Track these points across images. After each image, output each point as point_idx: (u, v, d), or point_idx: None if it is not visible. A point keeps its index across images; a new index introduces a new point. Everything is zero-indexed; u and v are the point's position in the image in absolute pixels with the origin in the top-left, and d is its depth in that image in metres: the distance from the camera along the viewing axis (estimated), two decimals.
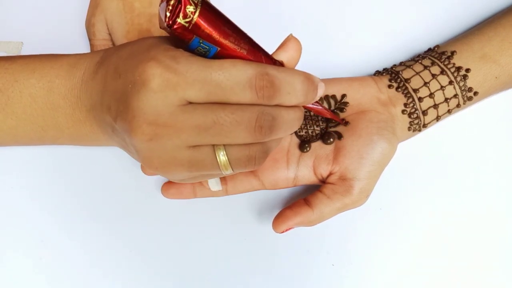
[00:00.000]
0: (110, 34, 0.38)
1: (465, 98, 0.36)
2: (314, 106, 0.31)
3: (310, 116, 0.37)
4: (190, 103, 0.24)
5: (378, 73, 0.39)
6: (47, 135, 0.32)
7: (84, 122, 0.31)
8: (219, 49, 0.24)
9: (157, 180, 0.38)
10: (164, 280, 0.37)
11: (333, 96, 0.36)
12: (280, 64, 0.27)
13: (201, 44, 0.24)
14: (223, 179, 0.35)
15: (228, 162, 0.26)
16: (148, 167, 0.26)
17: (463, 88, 0.36)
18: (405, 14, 0.42)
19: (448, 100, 0.36)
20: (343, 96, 0.36)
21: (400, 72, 0.37)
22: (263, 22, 0.42)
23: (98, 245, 0.37)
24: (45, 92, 0.30)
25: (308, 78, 0.26)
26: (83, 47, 0.40)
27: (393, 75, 0.37)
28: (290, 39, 0.27)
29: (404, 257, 0.37)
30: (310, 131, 0.36)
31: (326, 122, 0.36)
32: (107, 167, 0.38)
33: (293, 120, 0.27)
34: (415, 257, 0.37)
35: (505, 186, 0.39)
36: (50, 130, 0.32)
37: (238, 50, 0.25)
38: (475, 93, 0.36)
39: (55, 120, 0.31)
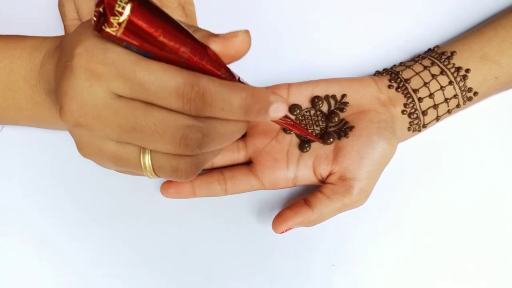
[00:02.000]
0: (78, 14, 0.38)
1: (465, 99, 0.36)
2: (282, 122, 0.28)
3: (310, 116, 0.37)
4: (120, 97, 0.23)
5: (378, 73, 0.39)
6: (7, 115, 0.32)
7: (43, 105, 0.31)
8: (152, 55, 0.23)
9: (157, 180, 0.38)
10: (164, 280, 0.37)
11: (333, 96, 0.36)
12: (208, 54, 0.23)
13: (134, 49, 0.23)
14: (223, 179, 0.36)
15: (151, 167, 0.24)
16: (81, 153, 0.26)
17: (463, 89, 0.36)
18: (405, 14, 0.42)
19: (448, 101, 0.36)
20: (343, 96, 0.36)
21: (400, 72, 0.37)
22: (263, 22, 0.42)
23: (98, 245, 0.37)
24: (6, 73, 0.30)
25: (253, 95, 0.23)
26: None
27: (393, 75, 0.37)
28: (238, 35, 0.23)
29: (404, 257, 0.37)
30: (310, 131, 0.36)
31: (326, 122, 0.36)
32: None
33: (231, 133, 0.25)
34: (415, 257, 0.37)
35: (505, 186, 0.39)
36: (10, 110, 0.32)
37: (176, 56, 0.22)
38: (475, 94, 0.36)
39: (15, 101, 0.31)
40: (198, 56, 0.23)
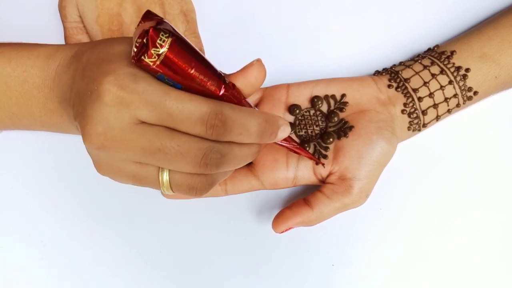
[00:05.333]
0: (81, 17, 0.38)
1: (465, 98, 0.36)
2: (283, 144, 0.31)
3: (309, 116, 0.37)
4: (143, 122, 0.24)
5: (377, 73, 0.39)
6: (20, 122, 0.33)
7: (55, 112, 0.31)
8: (182, 86, 0.25)
9: None
10: (164, 280, 0.37)
11: (333, 96, 0.36)
12: (231, 87, 0.26)
13: (166, 80, 0.24)
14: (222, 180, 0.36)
15: (169, 184, 0.26)
16: (97, 170, 0.27)
17: (462, 88, 0.36)
18: (405, 14, 0.42)
19: (448, 100, 0.36)
20: (343, 96, 0.36)
21: (400, 72, 0.37)
22: (262, 22, 0.42)
23: (98, 245, 0.37)
24: (20, 82, 0.31)
25: (267, 120, 0.26)
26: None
27: (392, 75, 0.37)
28: (253, 64, 0.27)
29: (404, 257, 0.37)
30: (310, 131, 0.36)
31: (325, 122, 0.36)
32: None
33: (245, 156, 0.27)
34: (415, 257, 0.37)
35: (505, 186, 0.39)
36: (23, 117, 0.32)
37: (204, 88, 0.25)
38: (475, 93, 0.36)
39: (29, 108, 0.32)
40: (223, 90, 0.25)
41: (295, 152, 0.32)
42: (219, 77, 0.25)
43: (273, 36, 0.41)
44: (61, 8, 0.38)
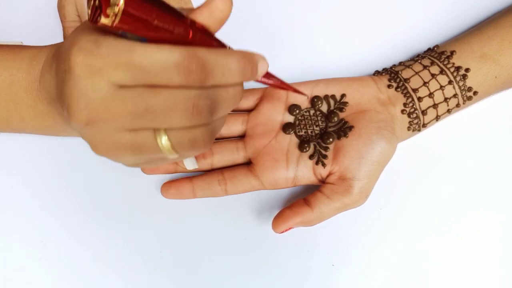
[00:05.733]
0: (80, 17, 0.38)
1: (465, 98, 0.36)
2: (265, 80, 0.30)
3: (309, 116, 0.37)
4: (124, 87, 0.23)
5: (377, 73, 0.39)
6: (11, 126, 0.33)
7: (47, 114, 0.31)
8: (147, 39, 0.23)
9: (157, 180, 0.38)
10: (164, 280, 0.37)
11: (333, 96, 0.36)
12: (199, 29, 0.25)
13: (129, 36, 0.23)
14: (223, 180, 0.36)
15: (170, 146, 0.25)
16: (95, 152, 0.26)
17: (462, 88, 0.36)
18: (405, 14, 0.42)
19: (448, 100, 0.36)
20: (343, 96, 0.36)
21: (400, 72, 0.37)
22: (262, 22, 0.42)
23: (98, 245, 0.37)
24: (7, 85, 0.30)
25: (244, 57, 0.25)
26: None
27: (392, 75, 0.37)
28: None
29: (404, 257, 0.37)
30: (309, 131, 0.36)
31: (325, 122, 0.36)
32: (107, 167, 0.38)
33: (234, 97, 0.26)
34: (415, 257, 0.37)
35: (506, 186, 0.39)
36: (14, 121, 0.32)
37: (171, 36, 0.23)
38: (475, 93, 0.36)
39: (18, 112, 0.31)
40: (191, 33, 0.24)
41: (280, 88, 0.31)
42: (185, 22, 0.24)
43: (273, 36, 0.41)
44: (60, 7, 0.38)
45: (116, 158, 0.26)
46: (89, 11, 0.22)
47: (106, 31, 0.24)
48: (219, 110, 0.25)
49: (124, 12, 0.22)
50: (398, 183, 0.38)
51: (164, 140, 0.25)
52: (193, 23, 0.24)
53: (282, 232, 0.34)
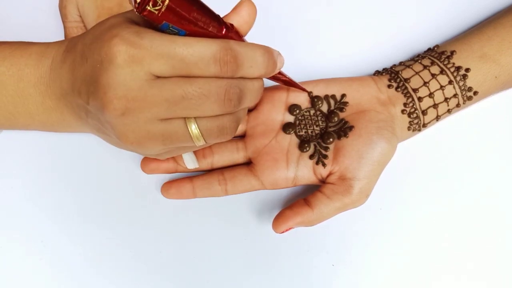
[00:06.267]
0: (81, 17, 0.38)
1: (465, 98, 0.36)
2: (278, 76, 0.32)
3: (309, 116, 0.37)
4: (159, 77, 0.25)
5: (377, 73, 0.39)
6: (18, 121, 0.33)
7: (55, 110, 0.31)
8: (187, 32, 0.25)
9: (157, 180, 0.38)
10: (164, 280, 0.37)
11: (333, 96, 0.36)
12: (231, 28, 0.27)
13: (171, 28, 0.25)
14: (223, 180, 0.36)
15: (200, 133, 0.26)
16: (124, 142, 0.27)
17: (462, 88, 0.36)
18: (405, 14, 0.42)
19: (448, 100, 0.36)
20: (343, 96, 0.36)
21: (400, 72, 0.37)
22: (262, 22, 0.42)
23: (98, 245, 0.37)
24: (15, 80, 0.31)
25: (267, 51, 0.27)
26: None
27: (392, 75, 0.37)
28: (243, 2, 0.28)
29: (404, 257, 0.37)
30: (310, 131, 0.36)
31: (325, 122, 0.36)
32: (107, 167, 0.38)
33: (257, 90, 0.28)
34: (415, 257, 0.37)
35: (505, 186, 0.39)
36: (20, 117, 0.32)
37: (206, 31, 0.26)
38: (475, 93, 0.36)
39: (26, 107, 0.32)
40: (225, 30, 0.26)
41: (291, 85, 0.33)
42: (219, 19, 0.26)
43: (273, 36, 0.41)
44: (62, 7, 0.38)
45: (145, 148, 0.27)
46: (133, 2, 0.23)
47: (147, 25, 0.25)
48: (245, 100, 0.27)
49: (170, 2, 0.23)
50: (398, 183, 0.38)
51: (194, 128, 0.26)
52: (225, 23, 0.26)
53: (283, 232, 0.34)
